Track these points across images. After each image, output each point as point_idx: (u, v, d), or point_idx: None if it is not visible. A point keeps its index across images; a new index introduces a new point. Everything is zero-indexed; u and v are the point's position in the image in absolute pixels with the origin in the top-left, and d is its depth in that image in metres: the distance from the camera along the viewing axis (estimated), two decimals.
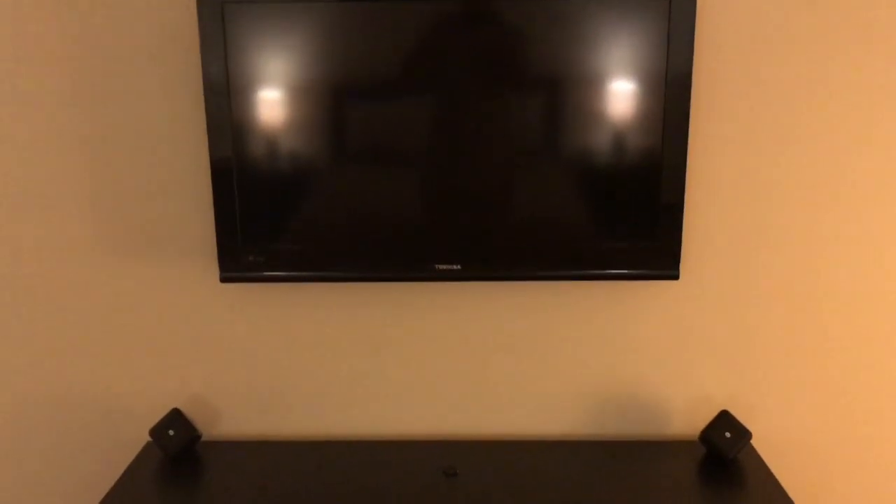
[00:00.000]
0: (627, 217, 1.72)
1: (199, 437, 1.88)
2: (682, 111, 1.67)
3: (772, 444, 1.94)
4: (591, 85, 1.65)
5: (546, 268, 1.76)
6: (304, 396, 1.95)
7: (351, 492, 1.70)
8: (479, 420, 1.96)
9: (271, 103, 1.70)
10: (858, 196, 1.82)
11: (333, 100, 1.69)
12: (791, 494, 1.96)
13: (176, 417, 1.85)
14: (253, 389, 1.95)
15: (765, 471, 1.76)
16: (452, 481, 1.72)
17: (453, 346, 1.93)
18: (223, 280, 1.75)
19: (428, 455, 1.85)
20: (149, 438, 1.94)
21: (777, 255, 1.86)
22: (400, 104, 1.69)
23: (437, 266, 1.75)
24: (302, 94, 1.67)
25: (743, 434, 1.79)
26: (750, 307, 1.88)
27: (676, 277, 1.74)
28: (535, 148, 1.71)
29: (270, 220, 1.74)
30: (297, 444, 1.92)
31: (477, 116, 1.70)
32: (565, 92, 1.66)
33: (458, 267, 1.75)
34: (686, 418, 1.94)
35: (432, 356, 1.94)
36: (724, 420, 1.81)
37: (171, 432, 1.83)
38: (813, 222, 1.84)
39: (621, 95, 1.67)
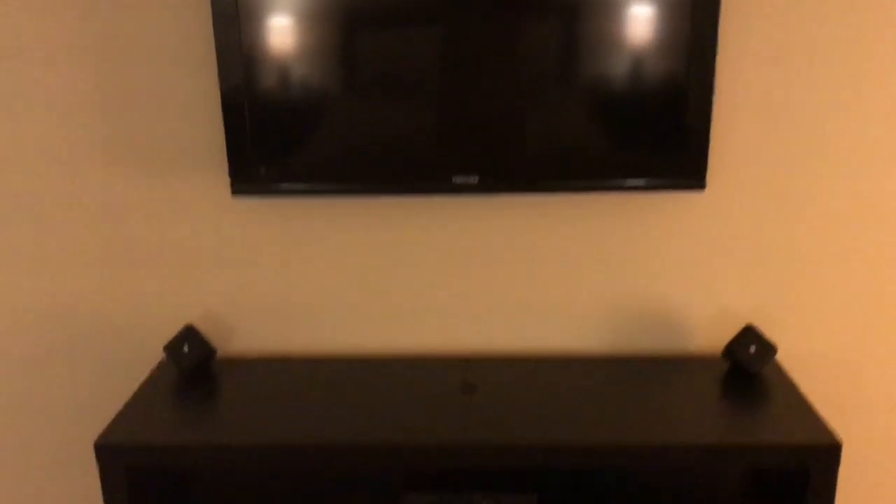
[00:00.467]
0: (654, 128, 1.65)
1: (213, 352, 1.87)
2: (712, 20, 1.59)
3: (797, 358, 1.90)
4: None
5: (567, 179, 1.69)
6: (319, 313, 1.92)
7: (366, 407, 1.68)
8: (497, 336, 1.93)
9: (282, 28, 1.62)
10: (887, 110, 1.74)
11: (347, 23, 1.61)
12: (817, 408, 1.92)
13: (190, 333, 1.83)
14: (267, 306, 1.92)
15: (789, 385, 1.72)
16: (470, 397, 1.70)
17: (471, 261, 1.88)
18: (235, 193, 1.71)
19: (445, 372, 1.83)
20: (163, 355, 1.93)
21: (804, 167, 1.78)
22: (415, 24, 1.61)
23: (453, 178, 1.69)
24: (314, 19, 1.60)
25: (768, 349, 1.75)
26: (776, 220, 1.82)
27: (703, 187, 1.67)
28: (558, 63, 1.62)
29: (282, 136, 1.68)
30: (312, 360, 1.90)
31: (499, 31, 1.61)
32: (589, 4, 1.58)
33: (476, 179, 1.69)
34: (709, 334, 1.89)
35: (449, 272, 1.89)
36: (749, 334, 1.76)
37: (185, 348, 1.81)
38: (842, 136, 1.76)
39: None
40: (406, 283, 1.90)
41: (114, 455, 1.57)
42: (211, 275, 1.89)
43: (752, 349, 1.75)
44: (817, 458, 1.51)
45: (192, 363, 1.82)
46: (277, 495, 1.86)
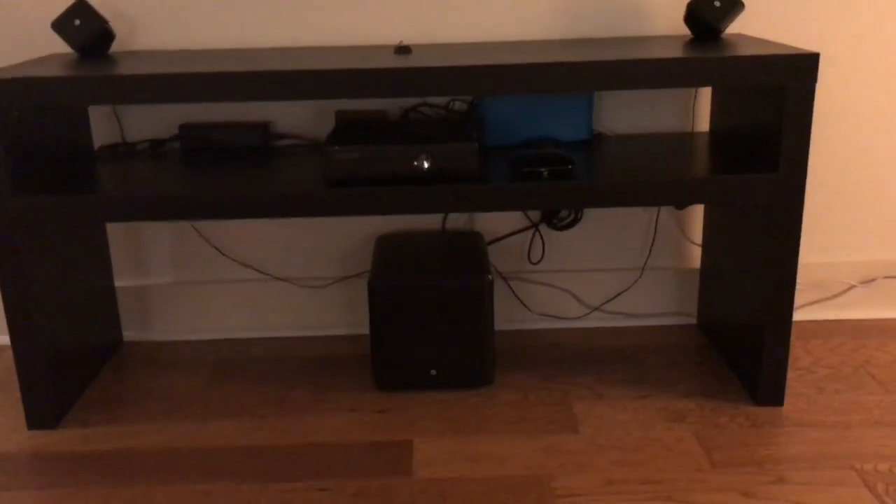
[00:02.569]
0: None
1: (110, 34, 1.62)
2: None
3: (764, 27, 1.76)
4: None
5: None
6: (233, 2, 1.70)
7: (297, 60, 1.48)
8: (436, 25, 1.73)
9: None
10: None
11: None
12: None
13: (82, 6, 1.58)
14: None
15: (760, 42, 1.57)
16: (406, 58, 1.50)
17: None
18: None
19: (379, 52, 1.63)
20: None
21: None
22: None
23: None
24: None
25: (734, 2, 1.59)
26: None
27: None
28: None
29: None
30: (229, 53, 1.69)
31: None
32: None
33: None
34: (669, 14, 1.73)
35: None
36: None
37: (77, 22, 1.57)
38: None
39: None
40: None
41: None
42: None
43: (717, 4, 1.59)
44: (794, 68, 1.37)
45: (86, 39, 1.58)
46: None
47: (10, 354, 1.81)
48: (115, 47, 1.70)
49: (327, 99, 1.38)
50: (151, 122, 1.76)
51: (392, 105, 1.75)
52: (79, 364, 1.66)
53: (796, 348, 1.78)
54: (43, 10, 1.69)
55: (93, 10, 1.58)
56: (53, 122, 1.57)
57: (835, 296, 1.90)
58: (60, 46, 1.69)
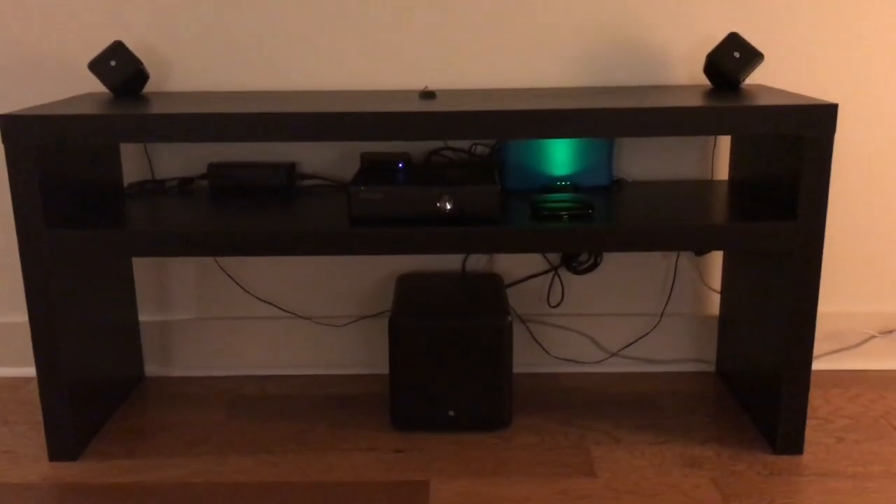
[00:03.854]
0: None
1: (145, 75, 1.67)
2: None
3: (783, 79, 1.78)
4: None
5: None
6: (268, 48, 1.75)
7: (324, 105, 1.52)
8: (460, 71, 1.77)
9: None
10: None
11: None
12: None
13: (118, 49, 1.63)
14: (202, 40, 1.74)
15: (779, 93, 1.60)
16: (430, 103, 1.53)
17: None
18: None
19: (405, 95, 1.66)
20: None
21: None
22: None
23: None
24: None
25: (753, 54, 1.61)
26: None
27: None
28: None
29: None
30: (262, 95, 1.74)
31: None
32: None
33: None
34: (690, 65, 1.76)
35: (412, 4, 1.75)
36: (733, 41, 1.62)
37: (112, 63, 1.63)
38: None
39: None
40: (358, 14, 1.73)
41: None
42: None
43: (737, 55, 1.62)
44: (813, 119, 1.39)
45: (121, 79, 1.63)
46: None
47: (33, 385, 1.84)
48: (149, 88, 1.75)
49: (354, 141, 1.42)
50: (181, 160, 1.80)
51: (416, 148, 1.78)
52: (101, 397, 1.68)
53: (815, 397, 1.77)
54: (81, 51, 1.75)
55: (129, 51, 1.63)
56: (86, 159, 1.61)
57: (854, 346, 1.90)
58: (96, 86, 1.75)
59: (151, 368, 1.91)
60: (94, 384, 1.64)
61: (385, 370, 1.89)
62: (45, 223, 1.44)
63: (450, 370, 1.61)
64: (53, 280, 1.47)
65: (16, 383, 1.87)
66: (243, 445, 1.61)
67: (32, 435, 1.65)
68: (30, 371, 1.89)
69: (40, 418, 1.70)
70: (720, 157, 1.81)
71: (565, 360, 1.91)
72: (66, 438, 1.54)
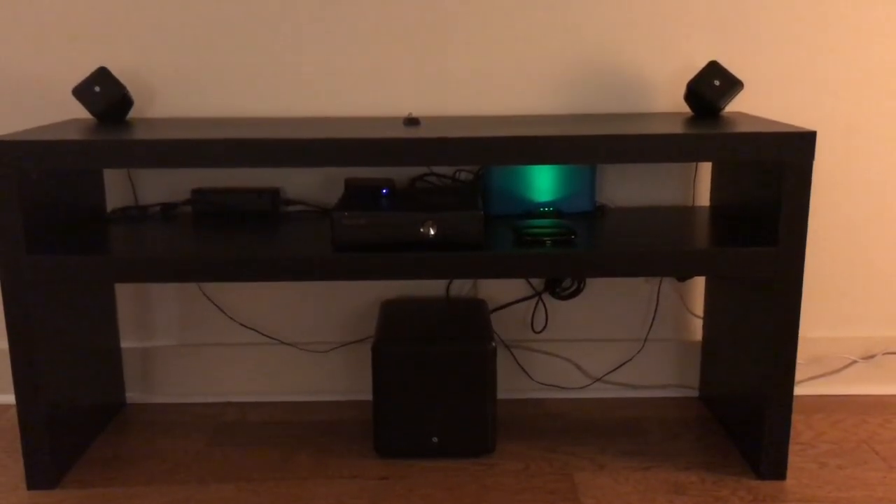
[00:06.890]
0: None
1: (127, 96, 1.67)
2: None
3: (762, 106, 1.80)
4: None
5: None
6: (250, 74, 1.76)
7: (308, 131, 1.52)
8: (444, 99, 1.78)
9: None
10: None
11: None
12: None
13: (103, 74, 1.63)
14: (187, 66, 1.74)
15: (758, 120, 1.62)
16: (414, 130, 1.54)
17: (412, 15, 1.74)
18: None
19: (388, 124, 1.67)
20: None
21: None
22: None
23: None
24: None
25: (733, 83, 1.63)
26: None
27: None
28: None
29: None
30: (244, 121, 1.75)
31: None
32: None
33: None
34: (670, 92, 1.79)
35: (388, 26, 1.74)
36: (713, 69, 1.64)
37: (97, 89, 1.63)
38: None
39: None
40: (341, 43, 1.74)
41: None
42: (126, 31, 1.71)
43: (717, 83, 1.64)
44: (793, 145, 1.41)
45: (105, 105, 1.63)
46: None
47: (12, 413, 1.82)
48: (134, 114, 1.76)
49: (338, 166, 1.42)
50: (164, 185, 1.80)
51: (400, 174, 1.79)
52: (81, 425, 1.66)
53: (798, 423, 1.78)
54: (65, 77, 1.75)
55: (113, 77, 1.64)
56: (69, 184, 1.61)
57: (836, 371, 1.91)
58: (80, 112, 1.75)
59: (133, 395, 1.89)
60: (75, 411, 1.63)
61: (369, 396, 1.88)
62: (27, 249, 1.43)
63: (434, 396, 1.60)
64: (34, 306, 1.46)
65: None
66: (225, 473, 1.60)
67: (10, 463, 1.63)
68: (9, 398, 1.87)
69: (19, 446, 1.68)
70: (701, 183, 1.82)
71: (549, 385, 1.91)
72: (44, 466, 1.52)
